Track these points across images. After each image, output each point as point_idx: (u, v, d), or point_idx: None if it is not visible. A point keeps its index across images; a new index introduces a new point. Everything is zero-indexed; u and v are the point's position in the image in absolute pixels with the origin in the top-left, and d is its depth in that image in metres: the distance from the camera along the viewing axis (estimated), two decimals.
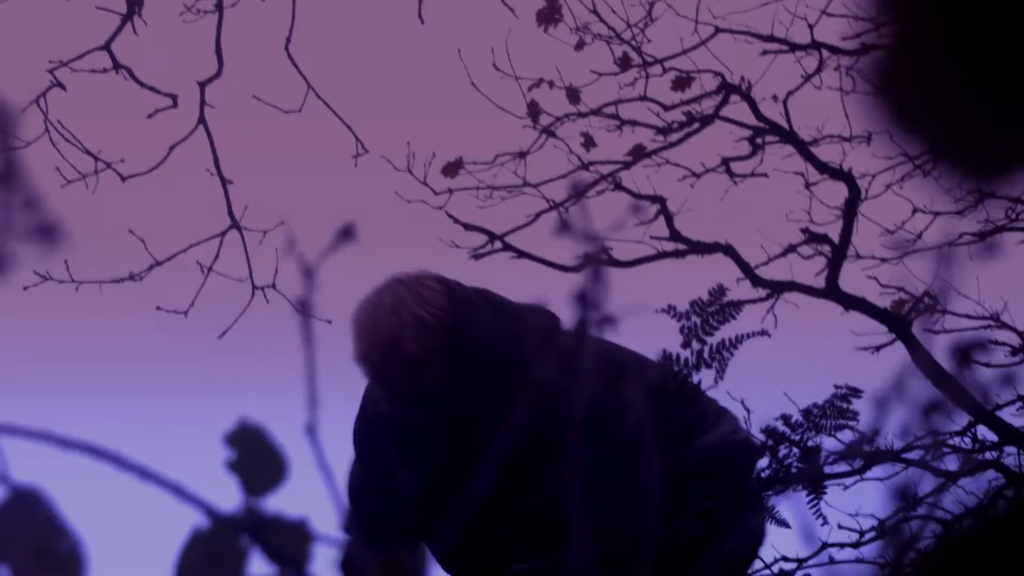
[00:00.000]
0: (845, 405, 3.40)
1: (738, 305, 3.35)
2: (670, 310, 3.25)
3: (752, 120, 5.47)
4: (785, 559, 4.21)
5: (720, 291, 3.33)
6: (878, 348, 5.32)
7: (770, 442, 3.42)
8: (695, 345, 3.23)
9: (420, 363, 2.90)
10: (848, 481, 4.36)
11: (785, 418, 3.43)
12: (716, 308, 3.30)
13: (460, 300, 2.99)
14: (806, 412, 3.43)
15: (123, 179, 4.97)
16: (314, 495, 1.03)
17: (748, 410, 3.92)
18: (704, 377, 3.24)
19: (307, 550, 0.96)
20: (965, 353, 1.00)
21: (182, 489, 0.99)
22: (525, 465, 2.47)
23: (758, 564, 3.94)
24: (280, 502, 0.99)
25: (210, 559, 0.99)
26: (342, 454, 3.03)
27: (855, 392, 3.38)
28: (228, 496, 1.22)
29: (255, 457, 0.97)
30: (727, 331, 3.30)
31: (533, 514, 2.78)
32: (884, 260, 5.60)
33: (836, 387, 3.42)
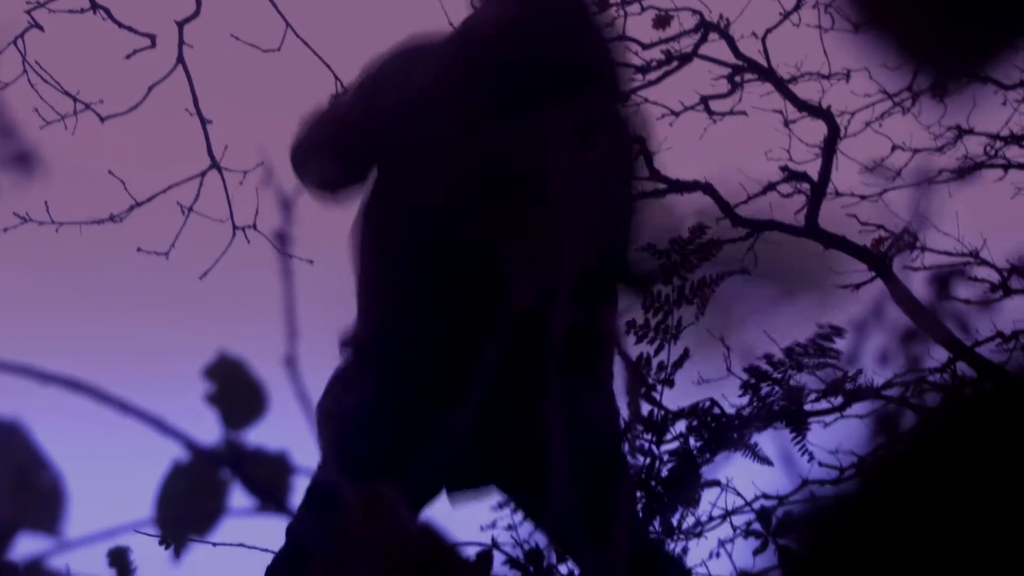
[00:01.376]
0: (827, 344, 3.42)
1: (718, 244, 3.36)
2: (650, 248, 3.25)
3: (731, 58, 5.46)
4: (766, 496, 4.24)
5: (700, 229, 3.34)
6: (858, 286, 5.33)
7: (752, 380, 3.43)
8: (676, 281, 3.23)
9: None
10: (828, 419, 4.39)
11: (768, 357, 3.45)
12: (696, 246, 3.30)
13: None
14: (788, 350, 3.44)
15: (102, 120, 4.94)
16: (294, 428, 1.04)
17: (728, 348, 3.94)
18: (685, 314, 3.24)
19: (287, 482, 0.96)
20: (943, 283, 1.00)
21: (162, 423, 0.99)
22: (507, 388, 2.45)
23: (739, 502, 3.97)
24: (260, 435, 0.99)
25: (190, 492, 0.99)
26: (321, 387, 2.98)
27: (837, 331, 3.40)
28: (208, 430, 1.22)
29: (235, 390, 0.97)
30: (707, 269, 3.30)
31: (514, 441, 2.71)
32: (864, 198, 5.61)
33: (819, 326, 3.44)
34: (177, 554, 1.08)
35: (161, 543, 1.07)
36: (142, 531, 1.05)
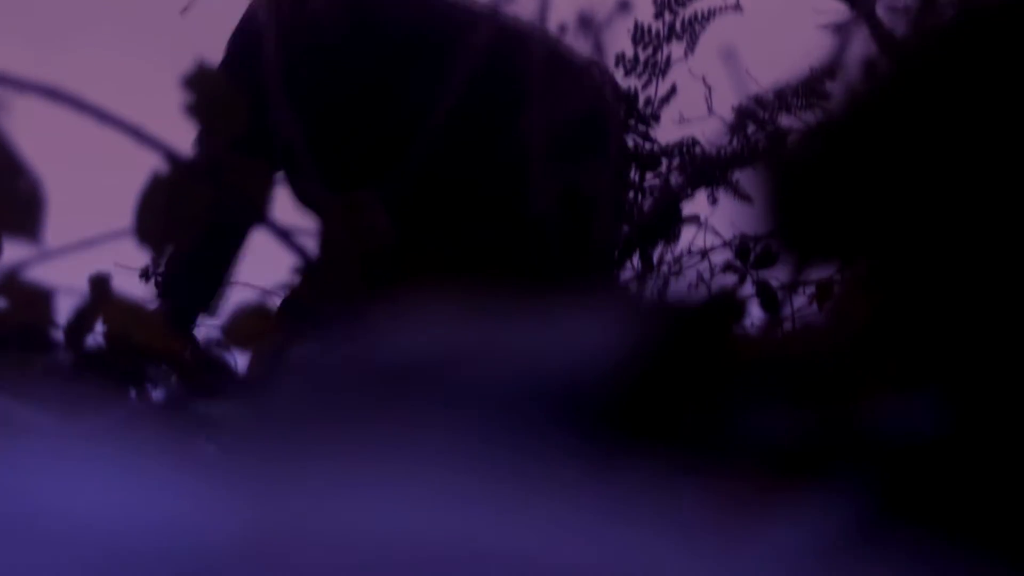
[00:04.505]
0: (817, 87, 3.39)
1: None
2: None
3: None
4: (745, 235, 4.26)
5: None
6: (840, 27, 5.26)
7: (739, 119, 3.42)
8: (667, 16, 3.19)
9: None
10: None
11: (756, 97, 3.43)
12: None
13: None
14: (778, 91, 3.42)
15: None
16: None
17: (709, 88, 3.91)
18: (675, 50, 3.21)
19: (268, 191, 0.96)
20: None
21: (141, 132, 0.98)
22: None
23: (718, 241, 3.99)
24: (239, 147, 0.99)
25: (170, 203, 0.99)
26: None
27: (830, 73, 3.36)
28: (187, 140, 1.22)
29: (214, 100, 0.96)
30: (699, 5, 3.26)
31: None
32: None
33: (811, 68, 3.40)
34: (156, 266, 1.08)
35: (140, 276, 1.08)
36: (121, 243, 1.05)
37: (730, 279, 2.92)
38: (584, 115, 2.41)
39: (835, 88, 0.62)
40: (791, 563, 0.43)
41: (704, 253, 3.87)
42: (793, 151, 0.59)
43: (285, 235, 0.94)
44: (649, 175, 3.36)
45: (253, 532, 0.36)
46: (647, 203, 3.27)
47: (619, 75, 3.26)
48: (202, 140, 1.01)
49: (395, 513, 0.39)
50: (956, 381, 0.53)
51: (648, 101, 3.31)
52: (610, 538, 0.40)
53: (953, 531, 0.50)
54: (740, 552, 0.44)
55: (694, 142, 3.51)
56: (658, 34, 3.26)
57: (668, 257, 3.47)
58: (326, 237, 0.88)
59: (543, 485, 0.45)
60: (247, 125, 0.93)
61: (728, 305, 0.57)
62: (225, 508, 0.37)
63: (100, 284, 1.08)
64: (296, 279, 0.92)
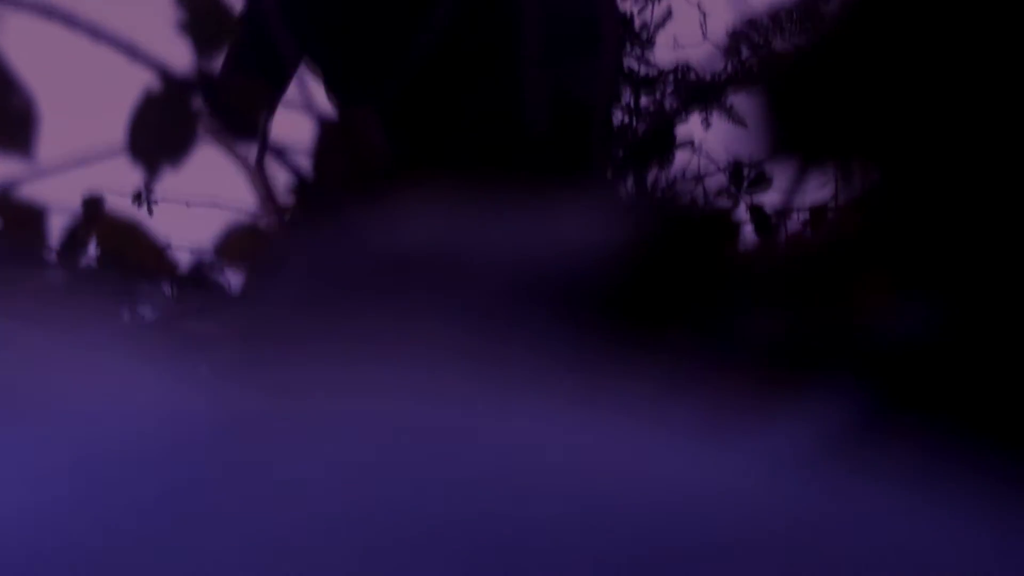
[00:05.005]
0: (812, 8, 3.37)
1: None
2: None
3: None
4: (738, 159, 4.25)
5: None
6: None
7: (732, 42, 3.40)
8: None
9: None
10: None
11: (751, 19, 3.41)
12: None
13: None
14: (773, 14, 3.40)
15: None
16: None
17: (704, 13, 3.89)
18: None
19: (260, 111, 0.96)
20: None
21: (134, 49, 0.98)
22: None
23: (711, 166, 3.99)
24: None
25: (163, 120, 0.98)
26: None
27: None
28: (180, 57, 1.21)
29: (206, 16, 0.96)
30: None
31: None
32: None
33: None
34: (149, 185, 1.08)
35: (133, 201, 1.08)
36: (114, 161, 1.05)
37: (724, 203, 2.91)
38: (579, 16, 2.39)
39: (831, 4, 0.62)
40: (788, 456, 0.44)
41: (698, 178, 3.86)
42: (794, 58, 0.59)
43: (280, 153, 0.94)
44: (644, 98, 3.35)
45: (248, 424, 0.36)
46: (641, 126, 3.27)
47: None
48: (195, 56, 1.00)
49: (392, 404, 0.39)
50: (952, 281, 0.53)
51: (644, 25, 3.30)
52: (604, 430, 0.40)
53: (949, 426, 0.50)
54: (737, 446, 0.44)
55: (689, 66, 3.50)
56: None
57: (662, 181, 3.46)
58: (320, 154, 0.88)
59: (539, 376, 0.46)
60: (248, 39, 0.92)
61: (723, 221, 0.57)
62: (219, 405, 0.37)
63: (93, 203, 1.08)
64: (291, 195, 0.92)
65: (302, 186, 0.90)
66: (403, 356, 0.45)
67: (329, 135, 0.88)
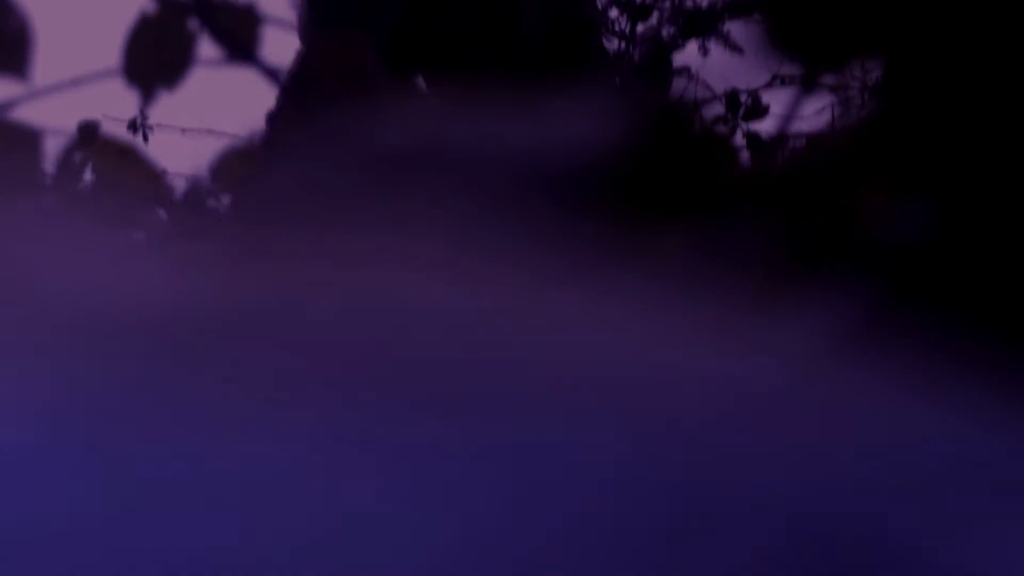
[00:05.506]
0: None
1: None
2: None
3: None
4: (736, 88, 4.23)
5: None
6: None
7: None
8: None
9: None
10: None
11: None
12: None
13: None
14: None
15: None
16: None
17: None
18: None
19: (256, 33, 0.95)
20: None
21: None
22: None
23: (707, 94, 3.97)
24: None
25: (158, 42, 0.98)
26: None
27: None
28: None
29: None
30: None
31: None
32: None
33: None
34: (145, 109, 1.08)
35: (128, 128, 1.07)
36: (110, 85, 1.04)
37: (720, 130, 2.90)
38: None
39: None
40: (798, 351, 0.44)
41: (695, 105, 3.84)
42: None
43: (273, 74, 0.93)
44: (640, 25, 3.33)
45: (255, 304, 0.36)
46: (638, 53, 3.25)
47: None
48: None
49: (398, 286, 0.39)
50: (949, 183, 0.53)
51: None
52: (619, 323, 0.40)
53: (949, 321, 0.50)
54: (748, 342, 0.44)
55: None
56: None
57: (659, 103, 3.44)
58: (307, 74, 0.87)
59: (548, 265, 0.46)
60: None
61: (721, 142, 0.57)
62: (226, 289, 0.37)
63: (89, 128, 1.08)
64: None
65: (294, 94, 0.90)
66: (405, 248, 0.45)
67: (319, 57, 0.87)
